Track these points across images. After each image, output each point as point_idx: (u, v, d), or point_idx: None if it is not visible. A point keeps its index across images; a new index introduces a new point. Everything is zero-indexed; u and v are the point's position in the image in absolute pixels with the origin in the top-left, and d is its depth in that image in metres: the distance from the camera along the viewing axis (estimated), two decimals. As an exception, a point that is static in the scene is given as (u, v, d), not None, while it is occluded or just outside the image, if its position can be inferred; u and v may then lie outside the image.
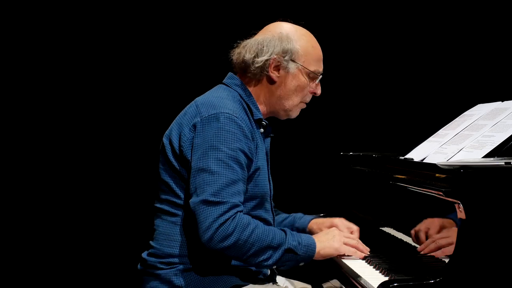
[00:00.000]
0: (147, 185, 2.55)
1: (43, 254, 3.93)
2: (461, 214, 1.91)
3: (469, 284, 1.90)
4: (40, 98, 3.92)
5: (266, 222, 2.32)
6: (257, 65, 2.30)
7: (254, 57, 2.30)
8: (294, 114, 2.43)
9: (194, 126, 2.19)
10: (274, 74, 2.33)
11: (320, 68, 2.40)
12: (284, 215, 2.69)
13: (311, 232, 2.60)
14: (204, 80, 2.68)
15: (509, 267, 1.91)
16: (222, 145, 2.13)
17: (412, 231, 2.32)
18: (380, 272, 2.14)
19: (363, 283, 2.10)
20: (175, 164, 2.23)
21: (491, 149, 2.17)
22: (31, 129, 3.92)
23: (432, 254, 2.16)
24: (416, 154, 2.53)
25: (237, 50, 2.38)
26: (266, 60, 2.30)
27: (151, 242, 2.33)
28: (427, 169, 2.14)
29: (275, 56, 2.30)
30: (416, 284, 1.89)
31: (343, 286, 2.35)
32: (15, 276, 3.87)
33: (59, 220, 3.94)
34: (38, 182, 3.94)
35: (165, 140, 2.30)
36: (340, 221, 2.53)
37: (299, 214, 2.70)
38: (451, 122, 2.64)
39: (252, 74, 2.34)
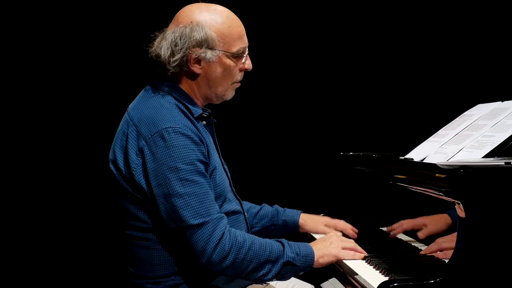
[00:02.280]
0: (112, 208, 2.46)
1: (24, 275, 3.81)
2: (461, 214, 1.91)
3: (469, 284, 1.90)
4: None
5: (235, 213, 2.30)
6: (174, 64, 2.17)
7: (169, 56, 2.16)
8: (229, 96, 2.31)
9: (141, 150, 2.09)
10: (195, 68, 2.20)
11: (243, 44, 2.25)
12: (255, 206, 2.66)
13: (304, 227, 2.67)
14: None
15: (509, 267, 1.91)
16: (178, 163, 2.05)
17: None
18: (380, 272, 2.14)
19: (363, 283, 2.10)
20: (130, 190, 2.14)
21: (491, 149, 2.18)
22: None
23: (432, 254, 2.16)
24: (416, 154, 2.53)
25: (156, 43, 2.23)
26: (182, 57, 2.16)
27: (130, 268, 2.24)
28: (427, 169, 2.14)
29: (190, 52, 2.16)
30: (416, 284, 1.89)
31: (343, 286, 2.36)
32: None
33: (37, 232, 3.83)
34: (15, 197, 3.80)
35: (111, 166, 2.19)
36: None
37: (279, 207, 2.69)
38: (451, 122, 2.64)
39: (173, 72, 2.21)
